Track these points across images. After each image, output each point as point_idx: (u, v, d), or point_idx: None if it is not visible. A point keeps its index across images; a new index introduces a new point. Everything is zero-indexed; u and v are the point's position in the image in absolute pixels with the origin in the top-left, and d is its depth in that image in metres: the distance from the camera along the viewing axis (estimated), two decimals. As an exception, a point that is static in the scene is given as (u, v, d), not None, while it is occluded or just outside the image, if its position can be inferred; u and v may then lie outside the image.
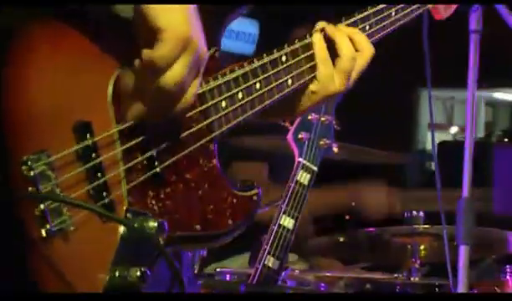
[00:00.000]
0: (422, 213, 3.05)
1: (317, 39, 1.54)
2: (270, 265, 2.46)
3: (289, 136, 2.54)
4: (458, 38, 2.44)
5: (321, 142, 2.56)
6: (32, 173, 1.16)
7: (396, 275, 3.09)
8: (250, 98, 1.43)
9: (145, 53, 1.22)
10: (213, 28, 1.39)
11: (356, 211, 3.87)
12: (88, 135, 1.23)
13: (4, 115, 1.16)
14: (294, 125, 2.53)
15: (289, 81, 1.50)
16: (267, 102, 1.46)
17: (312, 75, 1.54)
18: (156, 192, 1.31)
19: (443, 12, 1.83)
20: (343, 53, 1.53)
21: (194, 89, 1.28)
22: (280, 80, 1.48)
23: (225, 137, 1.43)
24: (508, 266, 3.10)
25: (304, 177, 2.51)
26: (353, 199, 3.74)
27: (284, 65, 1.49)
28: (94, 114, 1.24)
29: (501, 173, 4.36)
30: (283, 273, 2.70)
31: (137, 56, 1.24)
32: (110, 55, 1.28)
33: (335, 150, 2.60)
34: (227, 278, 2.86)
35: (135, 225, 1.23)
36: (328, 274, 3.39)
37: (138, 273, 1.20)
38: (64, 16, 1.22)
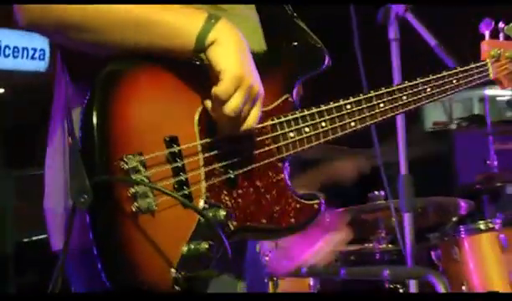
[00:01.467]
0: (382, 192, 3.51)
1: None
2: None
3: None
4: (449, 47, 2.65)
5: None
6: (126, 166, 1.44)
7: (366, 245, 3.55)
8: (315, 132, 1.71)
9: (213, 89, 1.53)
10: (286, 80, 1.72)
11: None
12: (174, 146, 1.52)
13: (112, 124, 1.46)
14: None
15: (352, 123, 1.77)
16: (331, 137, 1.74)
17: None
18: (229, 192, 1.58)
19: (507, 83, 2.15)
20: None
21: (254, 115, 1.58)
22: (344, 122, 1.75)
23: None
24: (461, 226, 3.51)
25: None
26: (330, 175, 4.00)
27: (347, 111, 1.76)
28: (181, 132, 1.54)
29: (461, 152, 4.94)
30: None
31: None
32: (196, 91, 1.58)
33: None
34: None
35: (210, 213, 1.52)
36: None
37: (207, 246, 1.48)
38: (157, 62, 1.54)
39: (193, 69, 1.57)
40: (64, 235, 1.47)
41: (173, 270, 1.47)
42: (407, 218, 2.85)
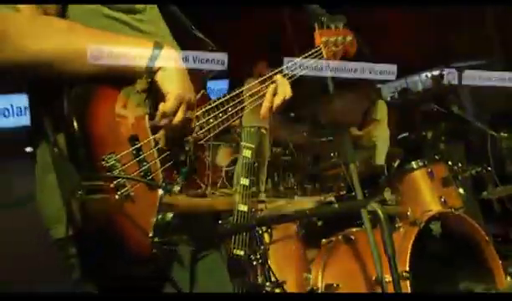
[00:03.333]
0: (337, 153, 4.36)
1: (268, 89, 2.18)
2: (241, 209, 3.29)
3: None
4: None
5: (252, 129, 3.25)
6: (107, 164, 1.69)
7: (330, 194, 4.39)
8: (226, 116, 2.03)
9: (160, 107, 1.79)
10: (201, 79, 2.00)
11: None
12: (136, 142, 1.77)
13: (90, 134, 1.69)
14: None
15: (246, 104, 2.10)
16: (236, 118, 2.06)
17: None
18: (177, 171, 1.88)
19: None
20: (278, 97, 2.20)
21: (190, 117, 1.87)
22: (242, 105, 2.09)
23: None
24: (400, 168, 4.38)
25: (247, 153, 3.27)
26: None
27: (241, 98, 2.09)
28: (139, 132, 1.79)
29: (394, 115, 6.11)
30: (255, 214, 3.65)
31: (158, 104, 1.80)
32: (144, 99, 1.81)
33: (264, 132, 3.37)
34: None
35: (168, 188, 1.80)
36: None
37: (171, 215, 1.76)
38: (108, 83, 1.74)
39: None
40: (67, 224, 1.66)
41: (149, 237, 1.73)
42: (352, 167, 3.57)
